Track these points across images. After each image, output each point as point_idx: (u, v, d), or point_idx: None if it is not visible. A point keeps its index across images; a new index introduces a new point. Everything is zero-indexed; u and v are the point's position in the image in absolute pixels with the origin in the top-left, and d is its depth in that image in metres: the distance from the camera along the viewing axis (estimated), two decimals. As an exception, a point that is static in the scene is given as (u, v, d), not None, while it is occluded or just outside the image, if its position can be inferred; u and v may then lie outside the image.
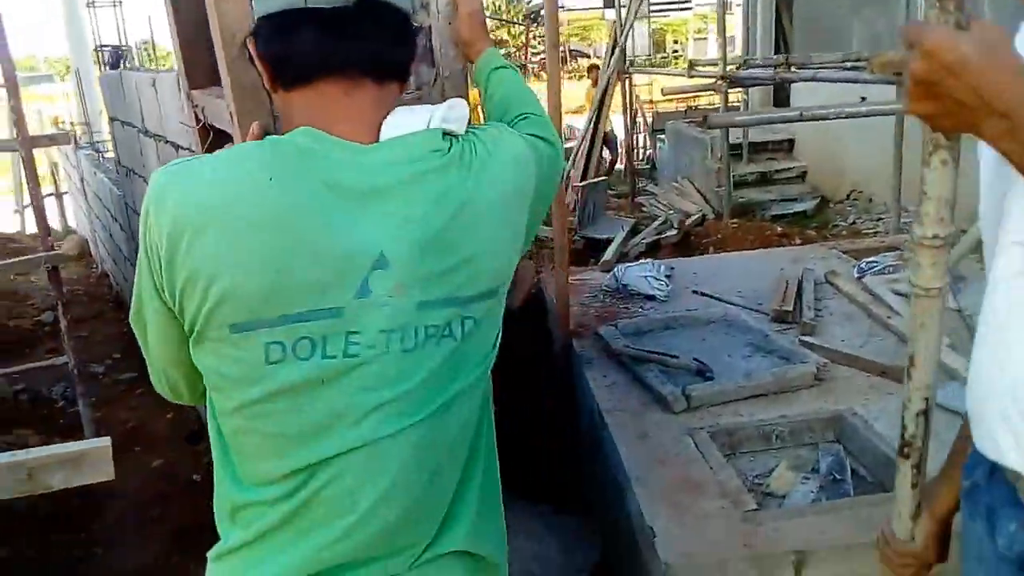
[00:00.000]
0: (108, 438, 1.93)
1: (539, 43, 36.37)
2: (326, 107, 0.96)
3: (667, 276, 3.61)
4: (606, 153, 9.53)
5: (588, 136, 7.92)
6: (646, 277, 3.49)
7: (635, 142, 11.17)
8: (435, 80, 1.49)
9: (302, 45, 0.95)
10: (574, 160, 7.95)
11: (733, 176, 7.46)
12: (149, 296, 0.97)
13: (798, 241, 4.66)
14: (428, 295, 0.96)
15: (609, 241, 5.00)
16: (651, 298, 3.43)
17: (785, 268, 3.69)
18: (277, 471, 0.98)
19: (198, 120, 1.66)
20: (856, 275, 3.55)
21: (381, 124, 0.98)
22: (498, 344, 1.10)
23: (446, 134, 0.99)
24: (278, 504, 0.99)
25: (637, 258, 4.28)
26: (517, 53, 39.98)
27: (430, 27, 1.45)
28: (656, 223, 6.30)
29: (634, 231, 5.94)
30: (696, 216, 5.69)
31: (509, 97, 1.31)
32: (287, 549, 1.00)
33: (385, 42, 0.99)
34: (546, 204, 1.19)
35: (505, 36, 40.76)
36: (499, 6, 40.82)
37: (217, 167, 0.94)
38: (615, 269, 3.69)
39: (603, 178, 6.80)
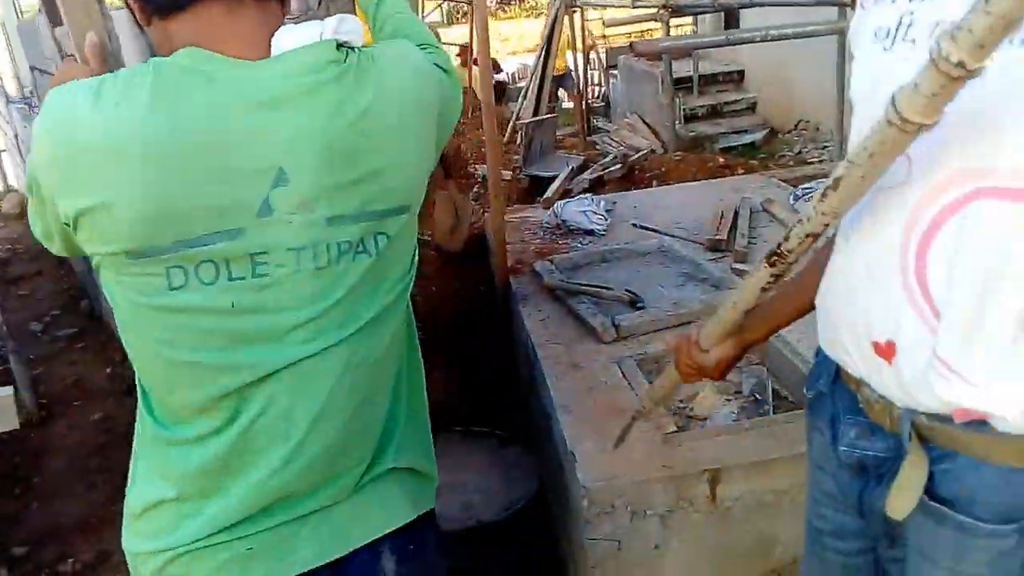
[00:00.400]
0: (10, 387, 1.90)
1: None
2: (209, 30, 0.92)
3: (607, 211, 3.61)
4: (562, 92, 9.44)
5: (537, 73, 7.79)
6: (584, 212, 3.49)
7: (589, 79, 11.07)
8: (319, 4, 1.45)
9: None
10: (524, 97, 7.85)
11: (684, 110, 7.46)
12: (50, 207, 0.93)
13: (740, 172, 4.68)
14: (337, 210, 0.94)
15: (554, 179, 4.97)
16: (590, 232, 3.44)
17: (724, 198, 3.72)
18: (197, 403, 0.96)
19: (63, 57, 1.61)
20: (791, 202, 3.59)
21: (270, 41, 0.93)
22: (415, 264, 1.09)
23: (340, 45, 0.94)
24: (207, 441, 0.97)
25: (580, 195, 4.26)
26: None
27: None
28: (604, 160, 6.30)
29: (582, 168, 5.92)
30: (644, 152, 5.68)
31: (400, 30, 1.27)
32: (224, 490, 0.98)
33: None
34: (448, 131, 1.15)
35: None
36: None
37: (100, 94, 0.88)
38: (555, 205, 3.68)
39: (551, 116, 6.72)
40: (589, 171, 5.07)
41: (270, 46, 0.93)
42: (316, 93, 0.92)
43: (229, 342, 0.94)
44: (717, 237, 3.20)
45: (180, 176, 0.87)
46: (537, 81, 7.89)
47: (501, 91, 10.25)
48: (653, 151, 6.01)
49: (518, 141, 6.39)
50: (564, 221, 3.52)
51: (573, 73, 9.33)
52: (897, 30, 0.83)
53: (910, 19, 0.82)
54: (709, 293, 2.74)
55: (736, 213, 3.42)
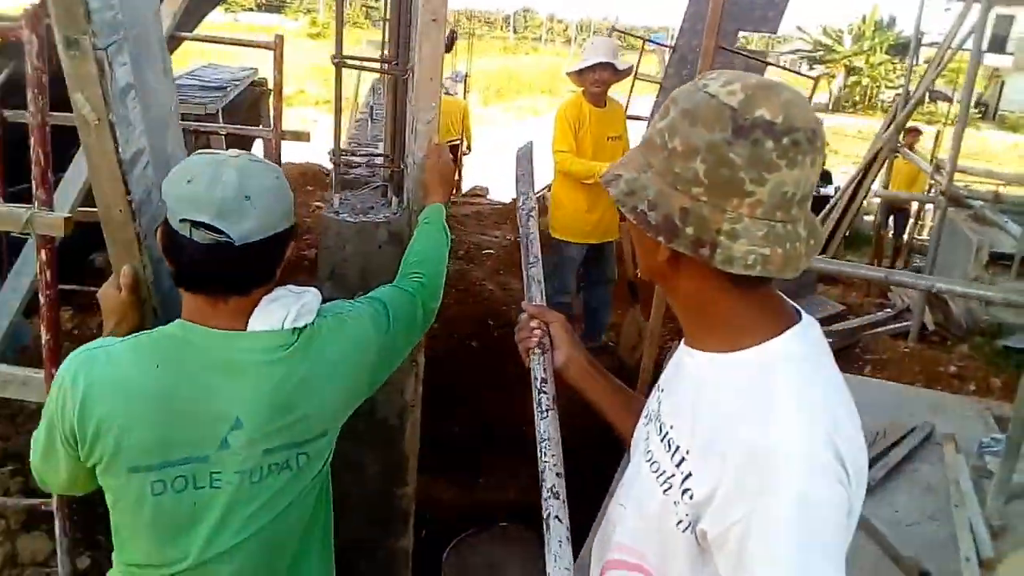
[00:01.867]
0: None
1: (897, 78, 33.61)
2: (204, 308, 1.31)
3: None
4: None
5: (842, 204, 7.50)
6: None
7: (921, 214, 10.26)
8: (403, 210, 1.91)
9: (187, 267, 1.29)
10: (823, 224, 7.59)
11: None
12: (61, 446, 1.31)
13: (972, 388, 4.22)
14: (271, 444, 1.34)
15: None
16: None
17: (914, 414, 3.50)
18: (159, 561, 1.35)
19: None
20: (976, 448, 3.27)
21: (250, 316, 1.33)
22: (331, 452, 1.50)
23: (297, 331, 1.35)
24: None
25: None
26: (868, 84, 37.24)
27: (403, 170, 1.87)
28: (869, 318, 5.93)
29: (832, 319, 5.67)
30: (888, 327, 5.28)
31: (419, 251, 1.73)
32: None
33: (252, 271, 1.31)
34: (398, 352, 1.59)
35: (860, 63, 38.38)
36: (862, 30, 38.41)
37: (115, 356, 1.29)
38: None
39: (820, 257, 6.47)
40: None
41: (247, 321, 1.32)
42: (267, 366, 1.31)
43: (186, 529, 1.33)
44: (857, 456, 3.07)
45: (172, 416, 1.27)
46: (839, 213, 7.61)
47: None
48: (922, 328, 5.52)
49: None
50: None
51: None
52: None
53: None
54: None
55: (897, 441, 3.23)
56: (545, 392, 1.26)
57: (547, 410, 1.22)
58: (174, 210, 1.27)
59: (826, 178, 12.47)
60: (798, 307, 1.06)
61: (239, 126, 5.83)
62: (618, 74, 4.42)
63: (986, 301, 6.31)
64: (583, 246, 4.57)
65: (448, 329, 4.87)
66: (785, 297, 1.06)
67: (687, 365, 1.07)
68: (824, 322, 5.58)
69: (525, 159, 1.76)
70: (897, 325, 5.53)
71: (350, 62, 2.02)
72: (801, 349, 0.98)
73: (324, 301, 1.45)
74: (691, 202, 0.93)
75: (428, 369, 2.19)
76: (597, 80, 4.34)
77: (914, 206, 9.82)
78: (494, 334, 5.11)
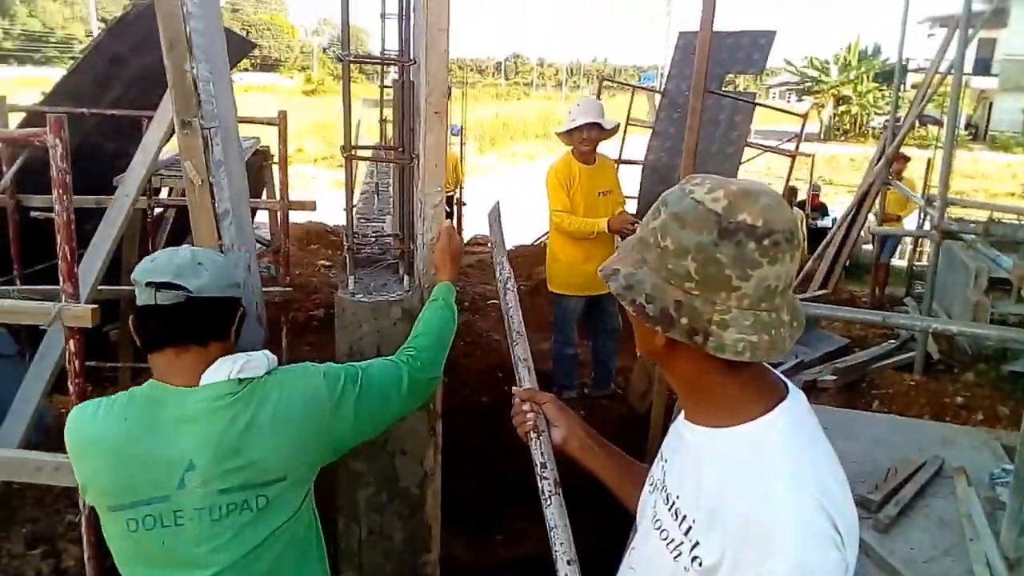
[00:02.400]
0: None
1: (885, 105, 34.19)
2: (168, 366, 1.55)
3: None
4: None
5: (838, 238, 7.60)
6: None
7: (918, 242, 10.36)
8: (415, 288, 2.00)
9: (148, 331, 1.55)
10: (818, 259, 7.68)
11: (993, 313, 6.75)
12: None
13: (979, 417, 4.26)
14: (225, 484, 1.50)
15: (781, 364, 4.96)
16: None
17: (923, 448, 3.54)
18: None
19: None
20: (988, 479, 3.31)
21: (203, 373, 1.54)
22: (307, 501, 1.63)
23: (242, 380, 1.54)
24: None
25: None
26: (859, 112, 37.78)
27: (413, 250, 1.97)
28: (876, 349, 5.97)
29: (837, 353, 5.72)
30: (893, 360, 5.33)
31: (421, 326, 1.86)
32: None
33: (207, 324, 1.56)
34: (373, 416, 1.70)
35: (848, 93, 39.02)
36: (848, 60, 39.10)
37: (97, 411, 1.55)
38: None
39: (821, 292, 6.56)
40: (817, 370, 4.96)
41: (202, 376, 1.52)
42: (216, 412, 1.50)
43: (161, 564, 1.52)
44: (869, 496, 3.11)
45: (138, 462, 1.48)
46: (835, 248, 7.71)
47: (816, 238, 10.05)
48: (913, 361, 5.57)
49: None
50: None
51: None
52: None
53: None
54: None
55: (908, 477, 3.27)
56: (546, 478, 1.31)
57: (550, 495, 1.28)
58: (140, 282, 1.54)
59: (822, 210, 12.63)
60: (784, 379, 1.16)
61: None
62: (605, 132, 4.57)
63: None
64: (581, 298, 4.67)
65: (457, 382, 4.95)
66: (770, 368, 1.16)
67: (688, 439, 1.16)
68: (829, 357, 5.67)
69: (496, 223, 1.85)
70: (902, 356, 5.59)
71: (359, 152, 2.13)
72: (790, 423, 1.07)
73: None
74: (684, 295, 1.03)
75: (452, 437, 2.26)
76: (585, 139, 4.50)
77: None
78: (503, 387, 5.19)
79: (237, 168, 2.00)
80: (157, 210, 5.04)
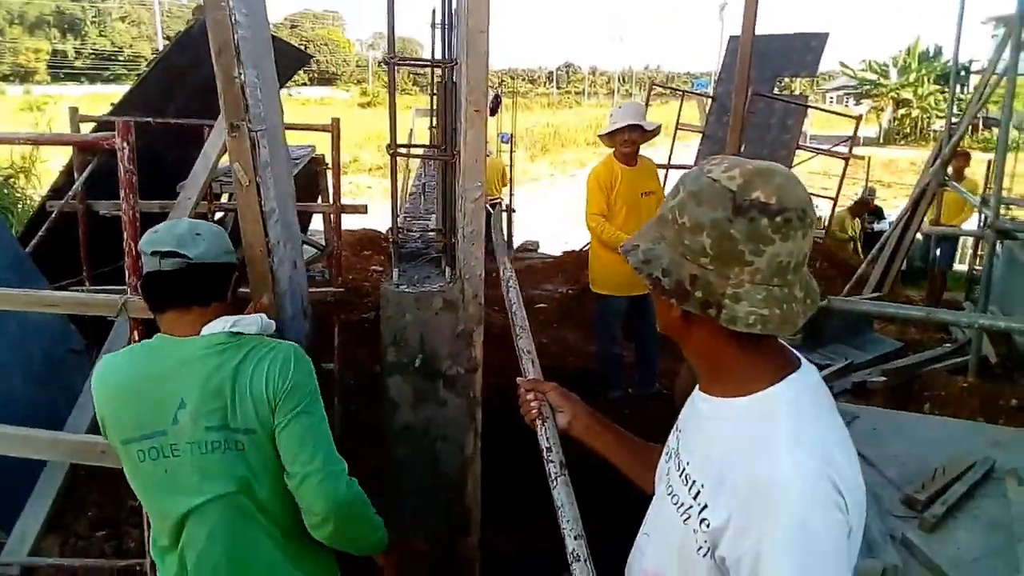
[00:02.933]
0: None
1: (947, 106, 33.18)
2: (173, 322, 1.77)
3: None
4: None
5: (891, 244, 7.45)
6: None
7: (978, 244, 10.07)
8: (456, 279, 2.09)
9: (152, 296, 1.78)
10: (873, 261, 7.53)
11: (1055, 317, 6.52)
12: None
13: (1036, 420, 4.15)
14: (209, 423, 1.69)
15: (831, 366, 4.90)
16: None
17: (974, 450, 3.47)
18: (156, 525, 1.76)
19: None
20: (1040, 482, 3.24)
21: (203, 326, 1.75)
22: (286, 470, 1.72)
23: (234, 333, 1.75)
24: (166, 554, 1.77)
25: (837, 398, 4.22)
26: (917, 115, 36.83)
27: (454, 243, 2.05)
28: (931, 352, 5.83)
29: (891, 356, 5.61)
30: (929, 357, 5.20)
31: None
32: None
33: (207, 286, 1.77)
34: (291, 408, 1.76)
35: (908, 96, 38.02)
36: (908, 63, 38.11)
37: (115, 359, 1.79)
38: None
39: (875, 295, 6.43)
40: (867, 372, 4.89)
41: (201, 330, 1.74)
42: (207, 357, 1.71)
43: (165, 489, 1.71)
44: (915, 495, 3.08)
45: (143, 400, 1.70)
46: (890, 250, 7.56)
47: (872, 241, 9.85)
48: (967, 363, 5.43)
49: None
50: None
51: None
52: None
53: None
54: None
55: (957, 477, 3.22)
56: (552, 460, 1.37)
57: (556, 477, 1.33)
58: (146, 251, 1.75)
59: (878, 214, 12.37)
60: (798, 355, 1.20)
61: (300, 203, 6.18)
62: (646, 134, 4.61)
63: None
64: (624, 299, 4.70)
65: (504, 385, 5.02)
66: (787, 346, 1.20)
67: (701, 408, 1.22)
68: (881, 360, 5.57)
69: (496, 228, 1.90)
70: (957, 360, 5.45)
71: (403, 151, 2.23)
72: (798, 394, 1.11)
73: (381, 366, 1.70)
74: (699, 270, 1.08)
75: (487, 424, 2.33)
76: (627, 141, 4.55)
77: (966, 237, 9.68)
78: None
79: (283, 170, 2.12)
80: (218, 215, 5.24)
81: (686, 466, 1.19)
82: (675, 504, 1.18)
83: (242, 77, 1.88)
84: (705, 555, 1.09)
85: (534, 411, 1.53)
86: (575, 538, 1.22)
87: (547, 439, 1.43)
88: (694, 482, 1.15)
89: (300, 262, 2.11)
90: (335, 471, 1.70)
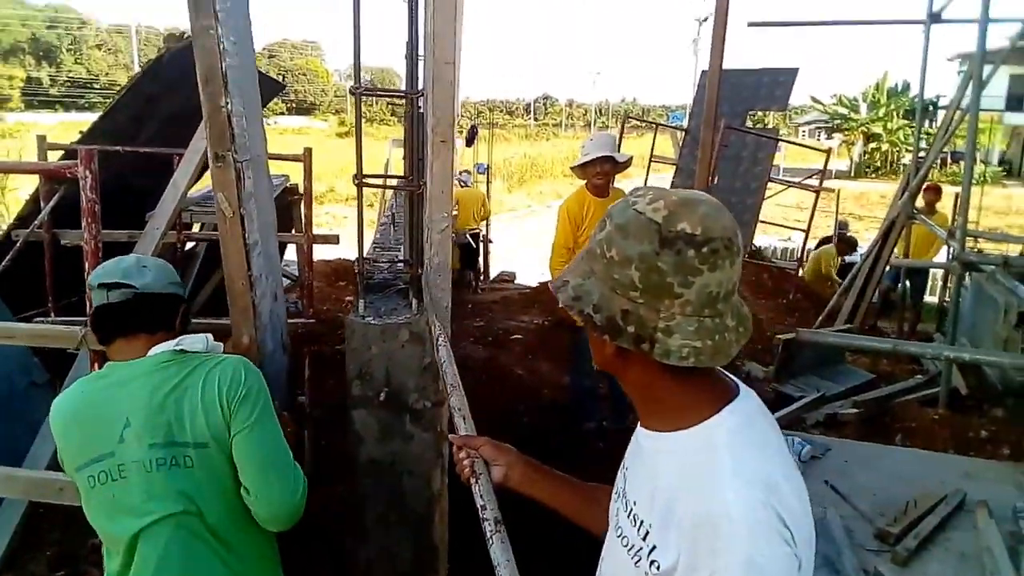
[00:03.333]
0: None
1: (920, 138, 34.02)
2: (119, 350, 1.79)
3: (801, 459, 3.61)
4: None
5: (862, 275, 7.54)
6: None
7: (947, 277, 10.21)
8: (423, 311, 2.06)
9: (100, 327, 1.80)
10: (846, 294, 7.61)
11: (1023, 349, 6.61)
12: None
13: (1006, 451, 4.18)
14: (153, 439, 1.69)
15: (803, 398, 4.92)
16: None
17: (945, 482, 3.48)
18: (112, 544, 1.73)
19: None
20: (1012, 513, 3.25)
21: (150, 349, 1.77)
22: (242, 486, 1.74)
23: (180, 351, 1.77)
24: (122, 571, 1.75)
25: (795, 431, 4.23)
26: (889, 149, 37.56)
27: (420, 274, 2.03)
28: (901, 384, 5.88)
29: (864, 388, 5.64)
30: (918, 395, 5.24)
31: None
32: None
33: (154, 315, 1.80)
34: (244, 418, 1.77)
35: (878, 130, 38.84)
36: (876, 98, 39.00)
37: (69, 392, 1.79)
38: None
39: (846, 326, 6.49)
40: (839, 403, 4.91)
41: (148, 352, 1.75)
42: (151, 375, 1.73)
43: (114, 512, 1.69)
44: (887, 529, 3.07)
45: (85, 425, 1.71)
46: (861, 281, 7.65)
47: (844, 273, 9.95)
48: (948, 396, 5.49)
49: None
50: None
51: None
52: None
53: None
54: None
55: (928, 510, 3.21)
56: (487, 518, 1.33)
57: (492, 535, 1.30)
58: (93, 285, 1.78)
59: (852, 245, 12.52)
60: (737, 381, 1.18)
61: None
62: (618, 166, 4.63)
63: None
64: None
65: (479, 418, 4.97)
66: (724, 372, 1.18)
67: (643, 444, 1.19)
68: (853, 391, 5.61)
69: (427, 285, 1.89)
70: (928, 391, 5.49)
71: (369, 181, 2.21)
72: (739, 423, 1.09)
73: (349, 400, 1.65)
74: (630, 304, 1.06)
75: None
76: (599, 173, 4.56)
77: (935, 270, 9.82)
78: (524, 419, 5.20)
79: (266, 201, 2.09)
80: (189, 245, 5.18)
81: (633, 506, 1.16)
82: (625, 546, 1.15)
83: (228, 106, 1.85)
84: None
85: (467, 471, 1.49)
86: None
87: (481, 496, 1.39)
88: (642, 522, 1.12)
89: (280, 294, 2.08)
90: (291, 488, 1.75)
